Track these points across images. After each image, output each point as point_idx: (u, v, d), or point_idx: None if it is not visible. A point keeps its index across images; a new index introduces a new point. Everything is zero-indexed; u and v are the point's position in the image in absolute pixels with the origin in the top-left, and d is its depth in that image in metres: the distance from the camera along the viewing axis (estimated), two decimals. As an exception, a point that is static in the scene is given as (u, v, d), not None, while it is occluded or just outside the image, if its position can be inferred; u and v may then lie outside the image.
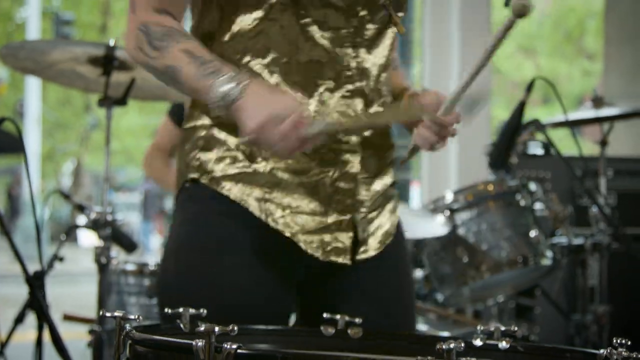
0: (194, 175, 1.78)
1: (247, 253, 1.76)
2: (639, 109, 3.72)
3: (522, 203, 3.27)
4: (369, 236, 1.84)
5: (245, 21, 1.74)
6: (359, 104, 1.78)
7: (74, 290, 10.47)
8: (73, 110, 19.56)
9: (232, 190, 1.75)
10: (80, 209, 3.09)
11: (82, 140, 20.14)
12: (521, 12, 1.59)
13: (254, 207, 1.75)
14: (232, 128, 1.71)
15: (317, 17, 1.73)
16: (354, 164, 1.80)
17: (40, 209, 3.14)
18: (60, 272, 3.27)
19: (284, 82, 1.73)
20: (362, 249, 1.83)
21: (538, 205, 3.29)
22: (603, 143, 3.53)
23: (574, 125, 3.51)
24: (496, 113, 14.10)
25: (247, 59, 1.74)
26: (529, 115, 3.27)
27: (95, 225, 2.86)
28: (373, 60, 1.79)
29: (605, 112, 3.51)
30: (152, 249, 18.02)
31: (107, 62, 2.78)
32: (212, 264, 1.76)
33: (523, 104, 3.15)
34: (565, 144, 8.47)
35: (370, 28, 1.78)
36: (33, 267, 2.50)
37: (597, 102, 3.51)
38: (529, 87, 3.17)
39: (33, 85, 17.26)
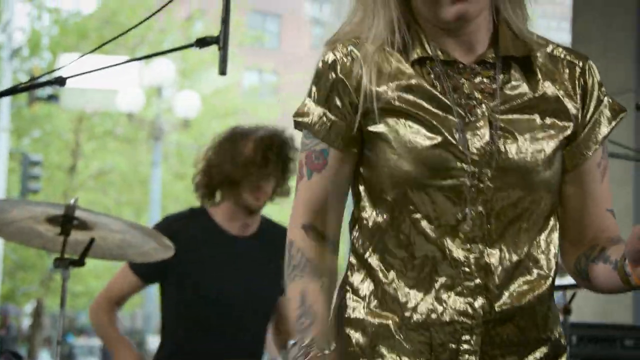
0: None
1: None
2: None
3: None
4: None
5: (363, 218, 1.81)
6: (480, 301, 1.73)
7: None
8: (35, 251, 19.36)
9: None
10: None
11: (43, 282, 19.88)
12: None
13: None
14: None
15: (427, 213, 1.73)
16: None
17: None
18: None
19: (399, 279, 1.75)
20: None
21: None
22: (566, 311, 3.50)
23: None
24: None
25: (367, 254, 1.80)
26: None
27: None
28: (499, 255, 1.74)
29: (568, 280, 3.49)
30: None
31: (66, 221, 2.75)
32: None
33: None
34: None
35: (492, 224, 1.74)
36: None
37: (560, 269, 3.50)
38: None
39: (-3, 225, 17.10)
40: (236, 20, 19.08)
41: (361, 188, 1.82)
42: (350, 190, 1.85)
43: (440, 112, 1.74)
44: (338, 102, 1.79)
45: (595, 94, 1.83)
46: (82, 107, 18.45)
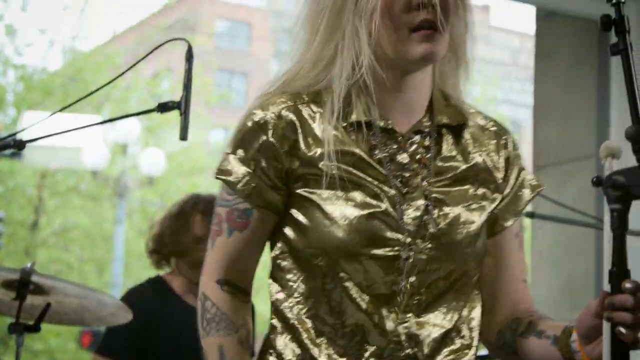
0: None
1: None
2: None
3: None
4: None
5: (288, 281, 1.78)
6: None
7: None
8: (-4, 309, 19.04)
9: None
10: None
11: (2, 340, 19.57)
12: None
13: None
14: None
15: (359, 281, 1.71)
16: None
17: None
18: None
19: (328, 346, 1.72)
20: None
21: None
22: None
23: None
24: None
25: (294, 318, 1.75)
26: None
27: None
28: (428, 326, 1.74)
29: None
30: None
31: (22, 286, 2.70)
32: None
33: None
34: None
35: (423, 296, 1.73)
36: None
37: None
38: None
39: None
40: (203, 79, 19.14)
41: (285, 248, 1.78)
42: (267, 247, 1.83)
43: (376, 182, 1.73)
44: (264, 164, 1.75)
45: (517, 167, 1.87)
46: (46, 164, 18.34)
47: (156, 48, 2.32)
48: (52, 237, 19.60)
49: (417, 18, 1.72)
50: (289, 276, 1.77)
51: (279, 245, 1.80)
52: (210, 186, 19.52)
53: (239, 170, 1.76)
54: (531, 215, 3.15)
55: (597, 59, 5.05)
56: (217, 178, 1.79)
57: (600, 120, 4.95)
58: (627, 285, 1.51)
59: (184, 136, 2.18)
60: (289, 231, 1.77)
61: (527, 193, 1.87)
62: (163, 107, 2.21)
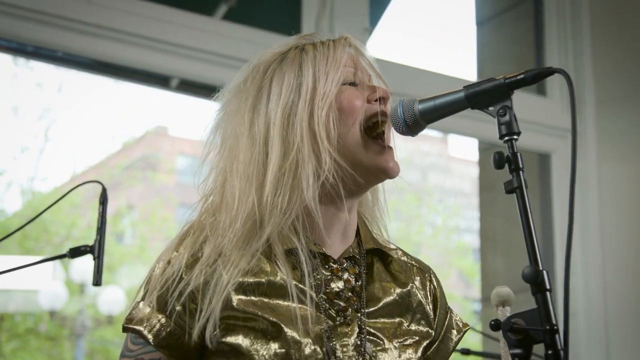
0: None
1: None
2: None
3: None
4: None
5: None
6: None
7: None
8: None
9: None
10: None
11: None
12: None
13: None
14: None
15: None
16: None
17: None
18: None
19: None
20: None
21: None
22: None
23: None
24: None
25: None
26: None
27: None
28: None
29: None
30: None
31: None
32: None
33: None
34: None
35: None
36: None
37: None
38: None
39: None
40: (163, 215, 19.11)
41: None
42: None
43: (307, 315, 1.55)
44: (179, 308, 1.57)
45: (444, 305, 1.79)
46: (4, 307, 18.08)
47: (69, 191, 2.29)
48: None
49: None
50: None
51: None
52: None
53: (150, 317, 1.58)
54: (467, 352, 3.06)
55: (538, 190, 5.07)
56: (125, 327, 1.59)
57: (545, 252, 4.94)
58: None
59: (97, 281, 2.12)
60: None
61: (454, 334, 1.79)
62: (75, 252, 2.17)
